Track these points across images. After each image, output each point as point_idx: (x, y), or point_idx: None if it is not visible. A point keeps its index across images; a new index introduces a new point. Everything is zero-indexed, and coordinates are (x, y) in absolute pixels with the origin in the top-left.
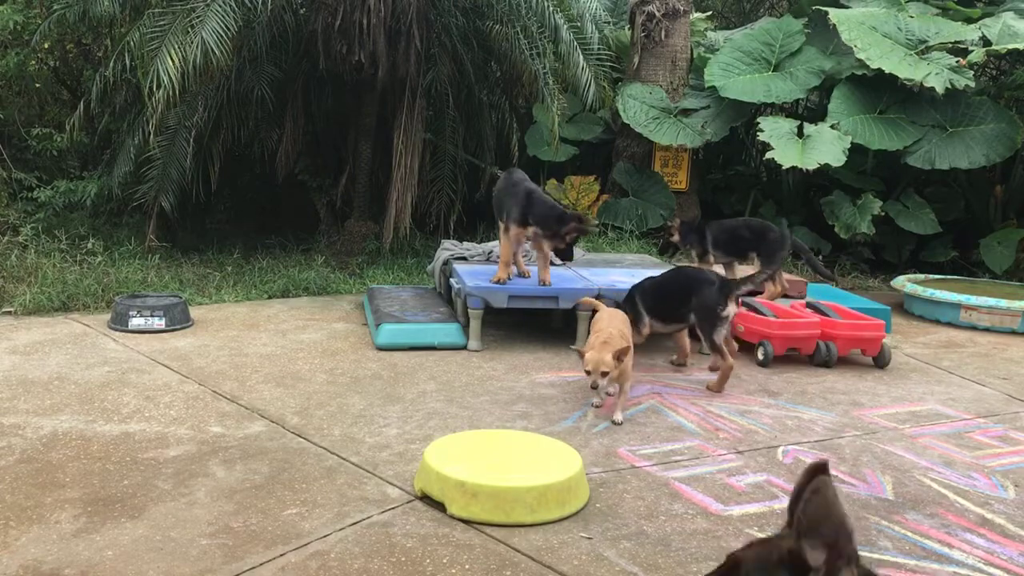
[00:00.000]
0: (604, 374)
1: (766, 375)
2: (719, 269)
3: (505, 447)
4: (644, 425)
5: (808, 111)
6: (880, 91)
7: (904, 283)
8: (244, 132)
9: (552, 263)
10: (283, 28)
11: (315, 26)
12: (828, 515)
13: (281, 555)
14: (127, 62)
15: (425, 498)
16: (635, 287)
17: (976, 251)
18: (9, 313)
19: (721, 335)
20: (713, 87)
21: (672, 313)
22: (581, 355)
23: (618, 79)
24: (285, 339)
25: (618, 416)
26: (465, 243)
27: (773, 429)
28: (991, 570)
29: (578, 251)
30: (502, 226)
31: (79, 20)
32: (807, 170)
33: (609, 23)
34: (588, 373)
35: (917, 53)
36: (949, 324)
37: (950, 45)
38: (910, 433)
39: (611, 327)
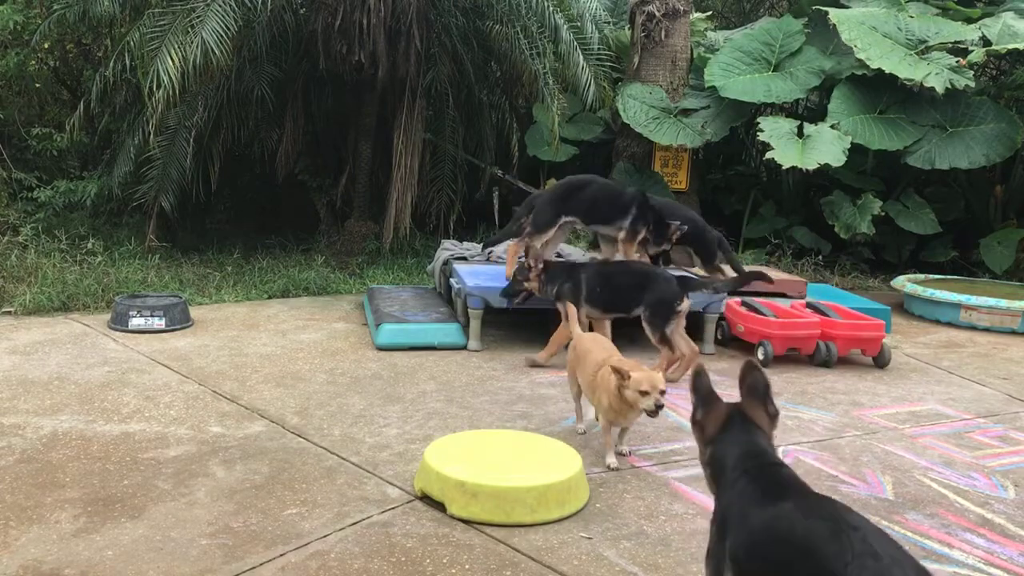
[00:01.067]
0: (663, 392)
1: (766, 375)
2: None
3: (505, 447)
4: (644, 425)
5: (808, 111)
6: (880, 91)
7: (904, 283)
8: (244, 132)
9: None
10: (283, 28)
11: (315, 26)
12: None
13: (281, 555)
14: (127, 62)
15: (425, 498)
16: (572, 272)
17: (976, 251)
18: (9, 313)
19: (671, 329)
20: (713, 87)
21: (615, 303)
22: (621, 374)
23: (618, 79)
24: (285, 339)
25: (611, 460)
26: (465, 243)
27: None
28: (991, 570)
29: (578, 252)
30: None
31: (79, 20)
32: (807, 170)
33: (609, 23)
34: (645, 394)
35: (917, 53)
36: (949, 324)
37: (950, 45)
38: (910, 433)
39: (603, 355)
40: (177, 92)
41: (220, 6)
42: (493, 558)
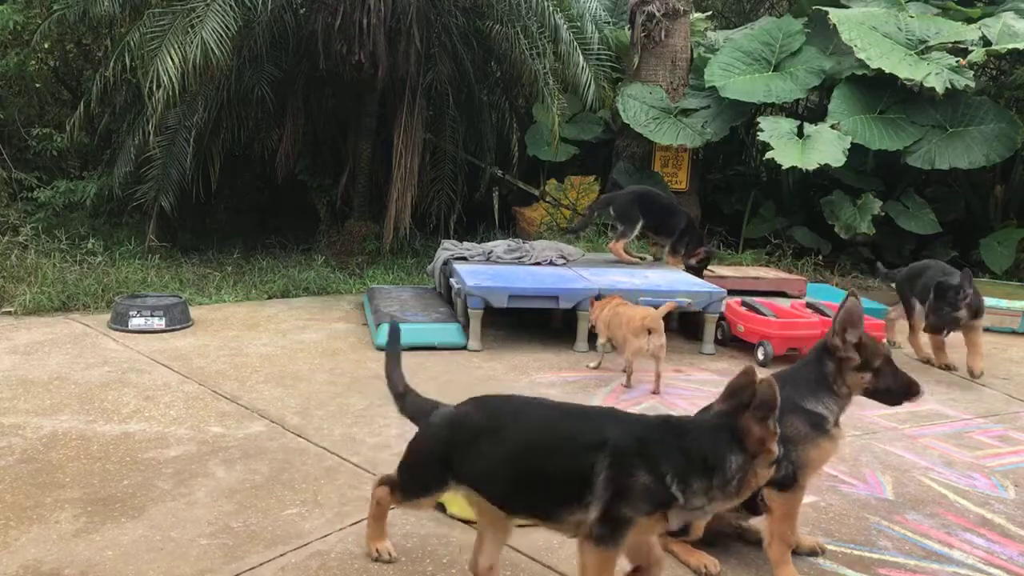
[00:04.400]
0: None
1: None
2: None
3: None
4: None
5: (808, 111)
6: (880, 91)
7: None
8: (244, 132)
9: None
10: (283, 28)
11: (315, 26)
12: None
13: (281, 555)
14: (127, 62)
15: None
16: None
17: (976, 251)
18: (9, 313)
19: None
20: (713, 87)
21: None
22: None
23: (618, 79)
24: (285, 339)
25: None
26: (465, 243)
27: None
28: (991, 570)
29: (577, 251)
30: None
31: (79, 20)
32: (807, 170)
33: (609, 23)
34: None
35: (917, 53)
36: None
37: (950, 45)
38: (910, 433)
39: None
40: (177, 92)
41: (220, 6)
42: None
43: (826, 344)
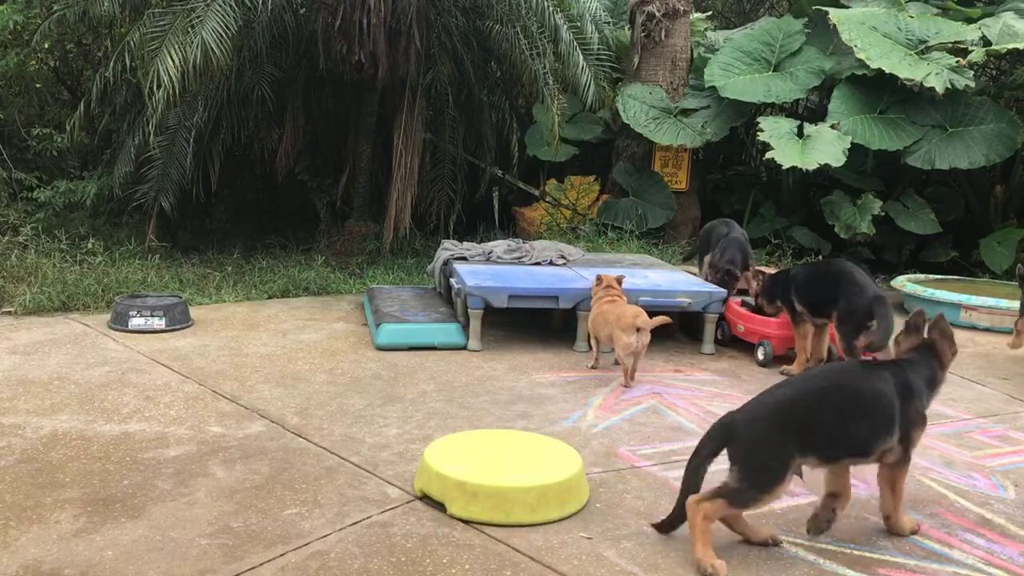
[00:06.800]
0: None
1: (766, 375)
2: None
3: (505, 447)
4: (644, 425)
5: (808, 111)
6: (880, 91)
7: (904, 283)
8: (244, 132)
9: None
10: (283, 28)
11: (315, 26)
12: None
13: (281, 555)
14: (127, 62)
15: (425, 498)
16: None
17: (976, 251)
18: (9, 313)
19: None
20: (713, 87)
21: None
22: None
23: (618, 79)
24: (285, 339)
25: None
26: (465, 243)
27: None
28: (991, 570)
29: (578, 251)
30: None
31: (79, 20)
32: (807, 170)
33: (609, 23)
34: None
35: (917, 53)
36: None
37: (950, 45)
38: None
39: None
40: (177, 92)
41: (220, 6)
42: (493, 558)
43: (935, 349)
